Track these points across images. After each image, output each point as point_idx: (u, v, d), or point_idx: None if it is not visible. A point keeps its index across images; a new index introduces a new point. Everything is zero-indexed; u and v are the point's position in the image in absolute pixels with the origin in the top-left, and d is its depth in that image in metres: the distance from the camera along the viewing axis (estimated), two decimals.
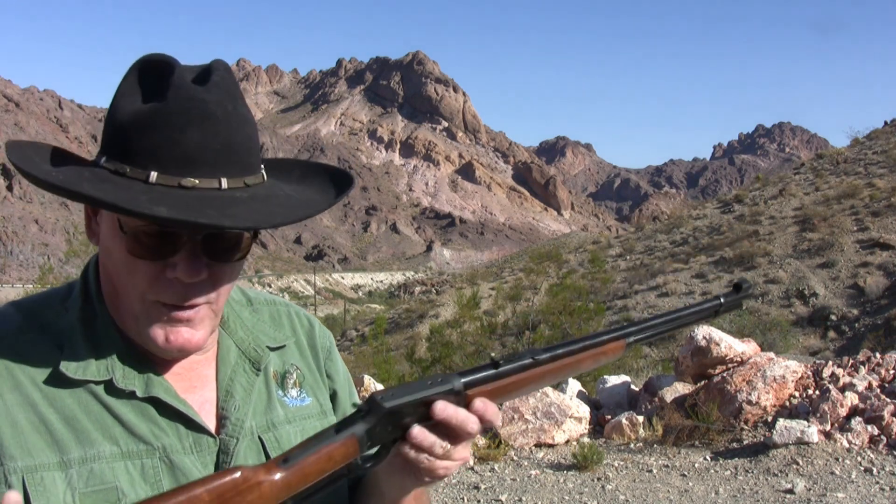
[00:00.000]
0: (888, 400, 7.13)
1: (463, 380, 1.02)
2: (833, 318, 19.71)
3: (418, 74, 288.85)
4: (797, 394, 7.53)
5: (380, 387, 8.77)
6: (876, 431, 6.93)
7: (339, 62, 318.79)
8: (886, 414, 6.99)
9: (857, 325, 19.09)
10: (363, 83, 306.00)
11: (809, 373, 7.81)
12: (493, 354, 1.08)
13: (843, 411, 7.12)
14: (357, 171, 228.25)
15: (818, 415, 7.07)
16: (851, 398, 7.23)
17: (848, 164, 33.63)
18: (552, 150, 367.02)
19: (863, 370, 7.83)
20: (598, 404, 8.70)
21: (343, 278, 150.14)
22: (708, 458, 7.09)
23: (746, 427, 7.31)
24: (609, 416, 8.20)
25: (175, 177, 0.97)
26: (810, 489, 6.20)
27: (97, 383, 1.05)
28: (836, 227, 24.11)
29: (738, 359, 7.79)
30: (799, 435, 6.80)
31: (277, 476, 0.91)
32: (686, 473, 6.81)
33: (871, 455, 6.71)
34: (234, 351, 1.19)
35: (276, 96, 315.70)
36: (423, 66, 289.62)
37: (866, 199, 26.09)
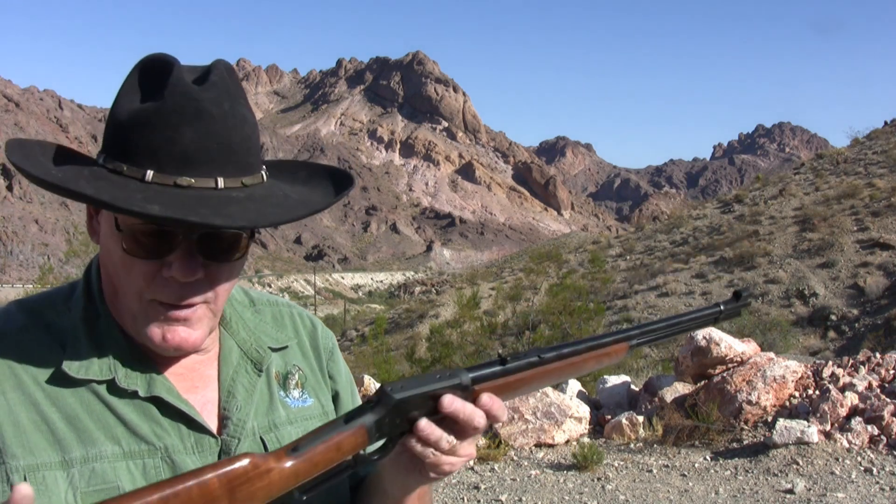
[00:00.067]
0: (888, 400, 7.13)
1: (471, 375, 1.03)
2: (833, 318, 19.71)
3: (418, 74, 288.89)
4: (797, 394, 7.53)
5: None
6: (876, 431, 6.93)
7: (339, 62, 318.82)
8: (886, 414, 6.99)
9: (857, 325, 19.09)
10: (363, 83, 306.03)
11: (809, 373, 7.81)
12: (500, 351, 1.09)
13: (843, 411, 7.12)
14: (357, 171, 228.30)
15: (818, 415, 7.07)
16: (851, 398, 7.23)
17: (848, 164, 33.63)
18: (552, 150, 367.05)
19: (863, 370, 7.83)
20: (598, 404, 8.70)
21: (343, 278, 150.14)
22: (708, 458, 7.09)
23: (746, 427, 7.31)
24: (609, 416, 8.20)
25: (171, 175, 0.98)
26: (810, 489, 6.20)
27: (99, 383, 1.05)
28: (836, 227, 24.11)
29: (738, 359, 7.79)
30: (799, 435, 6.81)
31: (286, 464, 0.91)
32: (686, 473, 6.81)
33: (871, 455, 6.72)
34: (236, 351, 1.19)
35: (276, 96, 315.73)
36: (423, 66, 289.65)
37: (866, 199, 26.09)
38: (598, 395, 8.91)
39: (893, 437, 6.89)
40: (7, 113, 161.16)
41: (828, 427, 7.01)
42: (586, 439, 7.84)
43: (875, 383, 7.55)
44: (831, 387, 7.35)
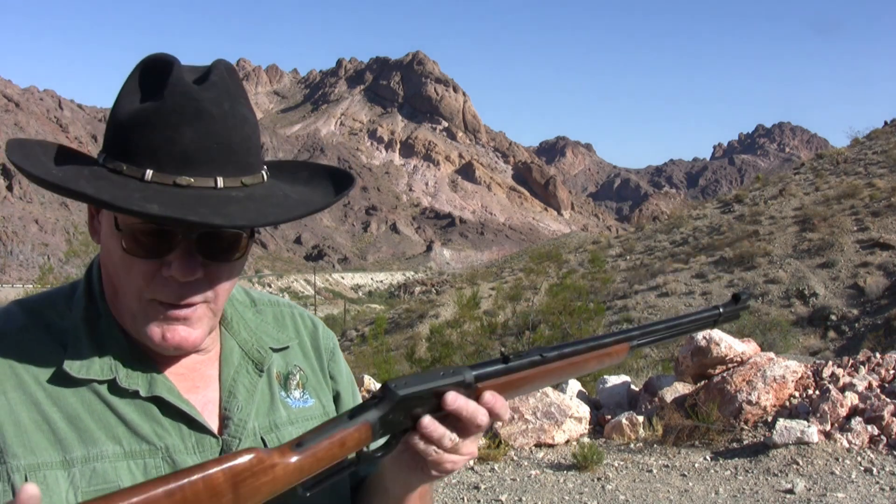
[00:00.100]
0: (888, 400, 7.13)
1: (474, 372, 1.03)
2: (833, 318, 19.71)
3: (418, 74, 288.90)
4: (797, 394, 7.54)
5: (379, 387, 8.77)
6: (876, 431, 6.93)
7: (339, 62, 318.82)
8: (886, 414, 6.99)
9: (857, 325, 19.09)
10: (363, 83, 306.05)
11: (809, 373, 7.81)
12: (503, 349, 1.10)
13: (843, 411, 7.12)
14: (357, 171, 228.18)
15: (818, 415, 7.07)
16: (851, 398, 7.23)
17: (848, 164, 33.63)
18: (552, 150, 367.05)
19: (863, 370, 7.83)
20: (598, 404, 8.70)
21: (343, 278, 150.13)
22: (708, 458, 7.09)
23: (746, 427, 7.31)
24: (609, 416, 8.21)
25: (171, 175, 0.98)
26: (810, 489, 6.21)
27: (100, 382, 1.05)
28: (836, 227, 24.11)
29: (738, 359, 7.79)
30: (799, 435, 6.81)
31: (291, 459, 0.91)
32: (686, 473, 6.81)
33: (871, 455, 6.72)
34: (237, 352, 1.19)
35: (276, 96, 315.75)
36: (423, 66, 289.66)
37: (866, 199, 26.09)
38: (598, 395, 8.91)
39: (893, 437, 6.90)
40: (7, 113, 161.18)
41: (828, 427, 7.01)
42: (586, 439, 7.84)
43: (875, 383, 7.56)
44: (831, 387, 7.35)
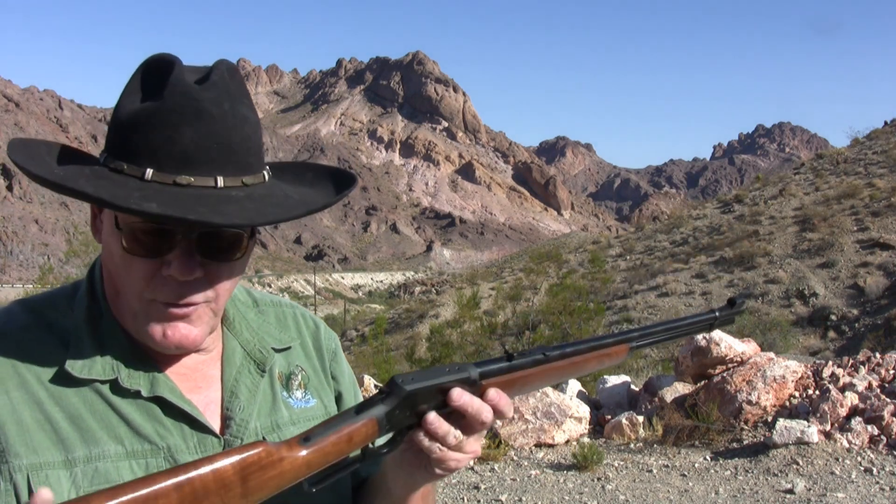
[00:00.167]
0: (888, 400, 7.13)
1: (479, 370, 1.04)
2: (833, 318, 19.72)
3: (418, 74, 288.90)
4: (797, 394, 7.54)
5: (379, 387, 8.77)
6: (876, 431, 6.93)
7: (339, 62, 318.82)
8: (886, 414, 6.99)
9: (857, 325, 19.09)
10: (363, 83, 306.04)
11: (809, 373, 7.81)
12: (507, 347, 1.11)
13: (843, 411, 7.12)
14: (357, 171, 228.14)
15: (818, 415, 7.07)
16: (851, 398, 7.24)
17: (848, 164, 33.64)
18: (552, 150, 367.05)
19: (863, 370, 7.83)
20: (598, 404, 8.70)
21: (343, 278, 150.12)
22: (708, 458, 7.09)
23: (746, 427, 7.31)
24: (609, 416, 8.21)
25: (170, 174, 0.98)
26: (810, 489, 6.21)
27: (102, 382, 1.06)
28: (836, 227, 24.12)
29: (738, 359, 7.79)
30: (799, 435, 6.81)
31: (298, 453, 0.92)
32: (686, 473, 6.81)
33: (871, 455, 6.72)
34: (239, 352, 1.19)
35: (276, 96, 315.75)
36: (423, 66, 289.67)
37: (866, 199, 26.10)
38: (598, 395, 8.91)
39: (893, 437, 6.90)
40: (7, 113, 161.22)
41: (828, 427, 7.01)
42: (586, 439, 7.84)
43: (875, 383, 7.56)
44: (831, 387, 7.36)
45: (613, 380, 9.01)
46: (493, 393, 1.04)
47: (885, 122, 40.62)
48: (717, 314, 1.31)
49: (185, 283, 1.03)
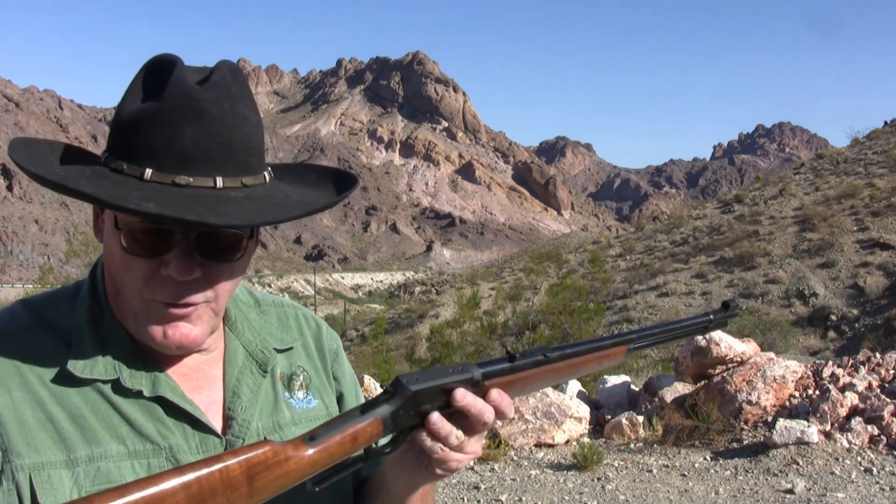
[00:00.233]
0: (888, 400, 7.13)
1: (482, 370, 1.05)
2: (833, 318, 19.72)
3: (418, 74, 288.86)
4: (797, 394, 7.54)
5: (379, 387, 8.77)
6: (876, 431, 6.94)
7: (339, 62, 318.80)
8: (886, 414, 6.99)
9: (857, 325, 19.10)
10: (363, 83, 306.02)
11: (809, 373, 7.81)
12: (508, 348, 1.12)
13: (843, 411, 7.12)
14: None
15: (818, 415, 7.07)
16: (851, 398, 7.24)
17: (848, 164, 33.65)
18: (552, 150, 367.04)
19: (863, 370, 7.83)
20: (598, 404, 8.71)
21: (343, 278, 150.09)
22: (708, 458, 7.10)
23: (746, 427, 7.31)
24: (609, 416, 8.21)
25: (170, 174, 0.98)
26: (810, 489, 6.21)
27: (104, 382, 1.06)
28: (836, 227, 24.12)
29: (738, 359, 7.80)
30: (799, 435, 6.81)
31: (304, 453, 0.92)
32: (686, 473, 6.82)
33: (871, 455, 6.72)
34: (241, 352, 1.20)
35: (276, 96, 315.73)
36: (423, 66, 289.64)
37: (866, 199, 26.11)
38: (598, 395, 8.92)
39: (893, 437, 6.90)
40: (7, 113, 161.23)
41: (828, 427, 7.01)
42: (586, 439, 7.84)
43: (875, 383, 7.56)
44: (831, 387, 7.36)
45: (613, 380, 9.01)
46: (496, 394, 1.05)
47: (885, 122, 40.62)
48: (711, 317, 1.32)
49: (185, 283, 1.03)
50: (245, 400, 1.15)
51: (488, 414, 1.03)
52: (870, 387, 7.49)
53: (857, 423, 6.97)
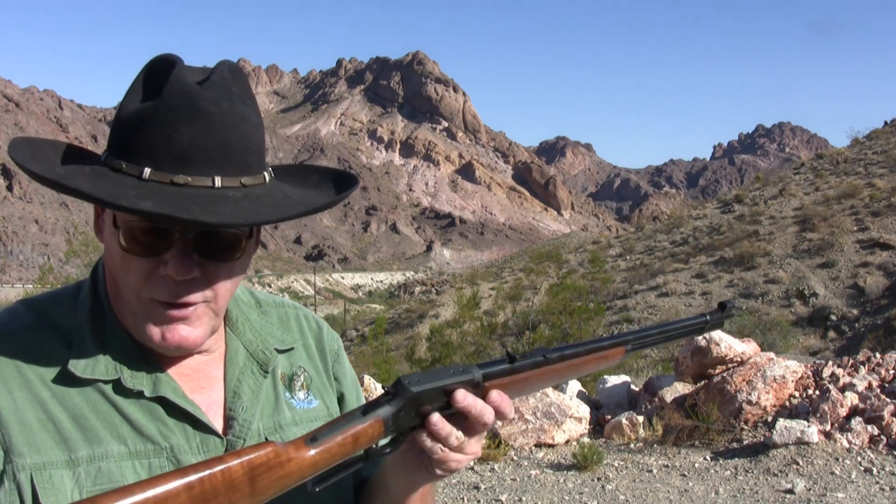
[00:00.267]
0: (888, 400, 7.13)
1: (482, 371, 1.05)
2: (833, 318, 19.72)
3: (418, 74, 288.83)
4: (797, 394, 7.54)
5: (379, 387, 8.77)
6: (876, 431, 6.94)
7: (339, 62, 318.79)
8: (886, 414, 6.99)
9: (857, 325, 19.10)
10: (363, 83, 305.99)
11: (809, 373, 7.81)
12: (508, 349, 1.13)
13: (843, 411, 7.12)
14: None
15: (818, 415, 7.08)
16: (851, 398, 7.24)
17: (848, 164, 33.66)
18: (552, 150, 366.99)
19: (863, 370, 7.84)
20: (598, 404, 8.71)
21: (343, 278, 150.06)
22: (708, 458, 7.10)
23: (746, 427, 7.32)
24: (609, 416, 8.21)
25: (168, 174, 0.98)
26: (810, 489, 6.21)
27: (105, 382, 1.06)
28: (836, 227, 24.13)
29: (738, 359, 7.80)
30: (799, 435, 6.81)
31: (305, 454, 0.92)
32: (686, 473, 6.82)
33: (871, 455, 6.72)
34: (242, 352, 1.20)
35: (276, 96, 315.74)
36: (423, 66, 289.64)
37: (866, 199, 26.11)
38: (598, 395, 8.92)
39: (893, 437, 6.90)
40: (7, 113, 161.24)
41: (828, 427, 7.01)
42: (586, 439, 7.84)
43: (875, 383, 7.56)
44: (831, 387, 7.36)
45: (613, 380, 9.01)
46: (496, 395, 1.05)
47: (885, 122, 40.63)
48: (707, 318, 1.33)
49: (183, 283, 1.03)
50: (246, 400, 1.15)
51: (488, 415, 1.03)
52: (870, 387, 7.49)
53: (857, 423, 6.97)
